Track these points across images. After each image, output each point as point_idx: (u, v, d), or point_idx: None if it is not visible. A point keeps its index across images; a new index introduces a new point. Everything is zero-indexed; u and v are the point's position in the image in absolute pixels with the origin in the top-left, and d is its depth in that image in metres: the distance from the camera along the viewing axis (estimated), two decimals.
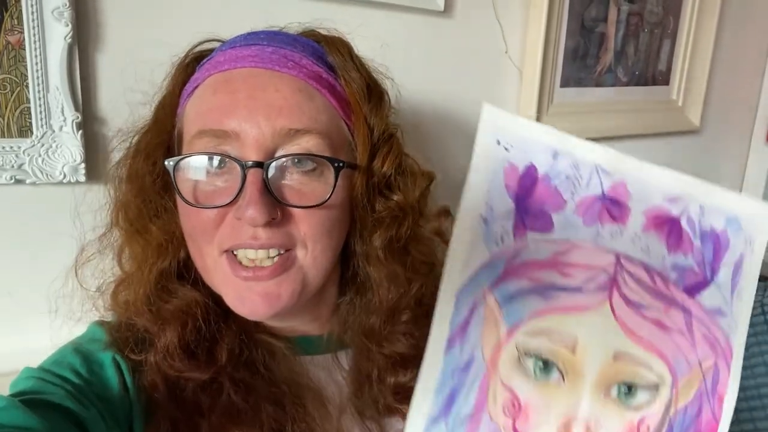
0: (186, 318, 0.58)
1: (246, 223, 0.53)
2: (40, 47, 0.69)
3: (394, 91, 0.67)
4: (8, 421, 0.43)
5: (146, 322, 0.58)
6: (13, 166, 0.71)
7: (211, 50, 0.63)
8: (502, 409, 0.46)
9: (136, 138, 0.63)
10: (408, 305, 0.62)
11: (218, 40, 0.64)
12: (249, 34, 0.61)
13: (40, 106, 0.70)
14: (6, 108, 0.69)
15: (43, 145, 0.71)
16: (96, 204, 0.66)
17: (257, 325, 0.62)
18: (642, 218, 0.47)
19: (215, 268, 0.57)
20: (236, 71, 0.57)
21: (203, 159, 0.55)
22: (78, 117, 0.72)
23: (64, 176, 0.73)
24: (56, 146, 0.72)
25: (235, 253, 0.56)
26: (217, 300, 0.59)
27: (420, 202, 0.63)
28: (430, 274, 0.63)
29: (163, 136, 0.61)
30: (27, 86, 0.70)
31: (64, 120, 0.72)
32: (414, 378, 0.45)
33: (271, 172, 0.54)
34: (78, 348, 0.57)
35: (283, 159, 0.54)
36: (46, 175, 0.72)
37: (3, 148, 0.70)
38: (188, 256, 0.60)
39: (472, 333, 0.45)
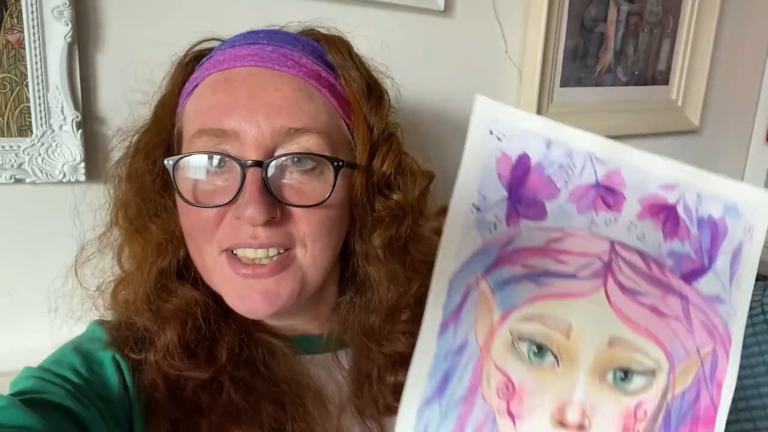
0: (186, 317, 0.58)
1: (245, 223, 0.53)
2: (39, 46, 0.69)
3: (393, 91, 0.67)
4: (8, 421, 0.43)
5: (146, 321, 0.58)
6: (12, 166, 0.71)
7: (211, 49, 0.63)
8: (496, 392, 0.46)
9: (135, 137, 0.63)
10: (408, 304, 0.62)
11: (218, 39, 0.64)
12: (248, 33, 0.61)
13: (39, 105, 0.70)
14: (6, 107, 0.69)
15: (42, 144, 0.72)
16: (96, 203, 0.66)
17: (257, 324, 0.62)
18: (637, 206, 0.48)
19: (215, 268, 0.57)
20: (236, 70, 0.57)
21: (203, 158, 0.55)
22: (78, 116, 0.72)
23: (64, 175, 0.73)
24: (56, 145, 0.72)
25: (234, 252, 0.56)
26: (216, 299, 0.59)
27: (420, 201, 0.63)
28: (430, 273, 0.63)
29: (162, 136, 0.61)
30: (27, 85, 0.70)
31: (64, 119, 0.72)
32: None
33: (271, 171, 0.54)
34: (78, 347, 0.57)
35: (283, 158, 0.54)
36: (46, 174, 0.72)
37: (3, 147, 0.70)
38: (188, 256, 0.60)
39: (465, 318, 0.46)
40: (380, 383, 0.62)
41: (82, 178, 0.74)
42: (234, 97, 0.55)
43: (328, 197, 0.55)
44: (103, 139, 0.75)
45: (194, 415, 0.56)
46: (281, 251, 0.55)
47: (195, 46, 0.64)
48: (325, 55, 0.61)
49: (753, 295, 0.86)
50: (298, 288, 0.56)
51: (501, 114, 0.46)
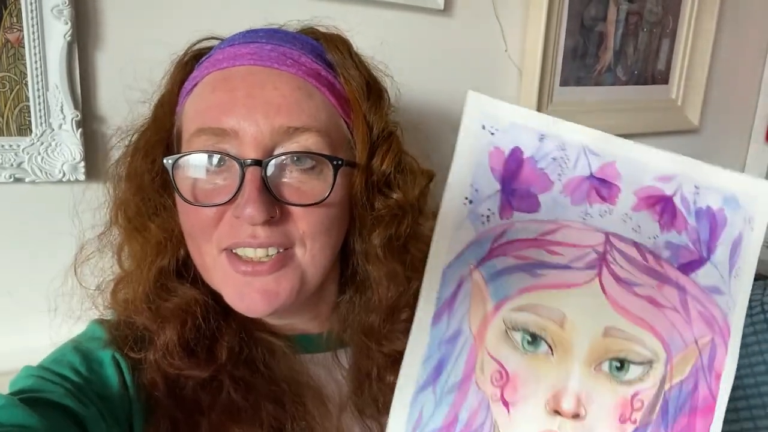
0: (185, 316, 0.58)
1: (245, 222, 0.53)
2: (39, 45, 0.69)
3: (393, 90, 0.67)
4: (8, 420, 0.43)
5: (145, 321, 0.58)
6: (12, 165, 0.70)
7: (210, 48, 0.62)
8: (489, 379, 0.47)
9: (135, 136, 0.63)
10: (408, 303, 0.62)
11: (217, 38, 0.64)
12: (248, 31, 0.61)
13: (39, 104, 0.70)
14: (5, 106, 0.69)
15: (42, 143, 0.71)
16: (95, 202, 0.66)
17: (257, 323, 0.62)
18: (633, 198, 0.48)
19: (214, 267, 0.57)
20: (235, 69, 0.56)
21: (202, 157, 0.55)
22: (77, 115, 0.72)
23: (64, 175, 0.73)
24: (55, 144, 0.72)
25: (234, 251, 0.56)
26: (216, 298, 0.59)
27: (420, 200, 0.63)
28: None
29: (162, 135, 0.60)
30: (26, 84, 0.69)
31: (64, 118, 0.72)
32: None
33: (270, 170, 0.54)
34: (77, 346, 0.57)
35: (282, 157, 0.54)
36: (46, 173, 0.72)
37: (2, 146, 0.70)
38: (187, 255, 0.60)
39: (458, 308, 0.46)
40: (380, 382, 0.62)
41: (82, 177, 0.74)
42: (233, 96, 0.54)
43: (327, 196, 0.55)
44: (103, 138, 0.75)
45: (194, 414, 0.56)
46: (280, 250, 0.55)
47: (194, 45, 0.64)
48: (324, 54, 0.61)
49: (753, 294, 0.87)
50: (297, 287, 0.56)
51: (493, 109, 0.46)
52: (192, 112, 0.58)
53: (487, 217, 0.46)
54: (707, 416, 0.50)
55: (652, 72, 1.36)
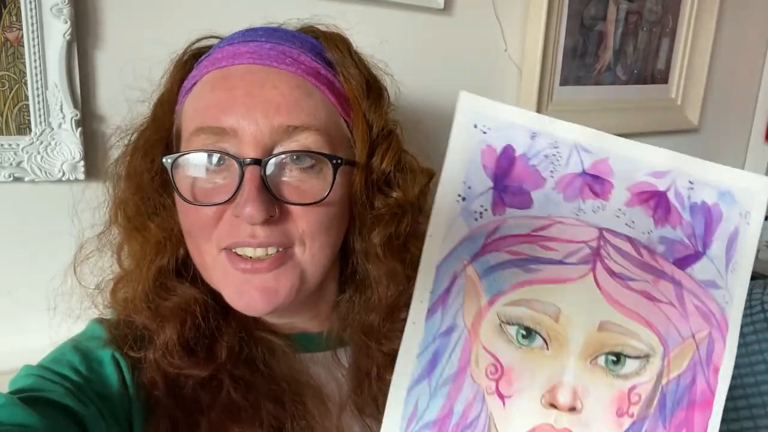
0: (185, 315, 0.58)
1: (244, 221, 0.53)
2: (38, 44, 0.69)
3: (393, 88, 0.67)
4: (7, 419, 0.43)
5: (145, 320, 0.58)
6: (11, 164, 0.70)
7: (209, 47, 0.62)
8: (484, 372, 0.47)
9: (134, 135, 0.62)
10: (407, 302, 0.62)
11: (216, 37, 0.64)
12: (247, 30, 0.61)
13: (38, 103, 0.70)
14: (4, 105, 0.69)
15: (41, 142, 0.71)
16: (95, 201, 0.66)
17: (257, 322, 0.62)
18: (626, 193, 0.49)
19: (214, 266, 0.57)
20: (234, 68, 0.56)
21: (201, 156, 0.55)
22: (77, 114, 0.72)
23: (63, 174, 0.73)
24: (55, 144, 0.72)
25: (233, 250, 0.56)
26: (216, 297, 0.59)
27: (419, 199, 0.63)
28: None
29: (161, 134, 0.60)
30: (26, 83, 0.69)
31: (63, 117, 0.71)
32: None
33: (270, 169, 0.54)
34: (77, 345, 0.57)
35: (282, 156, 0.54)
36: (45, 172, 0.72)
37: (1, 145, 0.70)
38: (187, 254, 0.60)
39: (452, 303, 0.47)
40: (380, 381, 0.62)
41: (81, 176, 0.74)
42: (232, 94, 0.54)
43: (327, 195, 0.55)
44: (102, 138, 0.75)
45: (194, 413, 0.56)
46: (280, 249, 0.55)
47: (194, 43, 0.64)
48: (324, 53, 0.61)
49: (753, 293, 0.86)
50: (297, 285, 0.56)
51: (485, 108, 0.47)
52: (191, 111, 0.57)
53: (480, 213, 0.46)
54: (705, 410, 0.50)
55: (651, 71, 1.36)
